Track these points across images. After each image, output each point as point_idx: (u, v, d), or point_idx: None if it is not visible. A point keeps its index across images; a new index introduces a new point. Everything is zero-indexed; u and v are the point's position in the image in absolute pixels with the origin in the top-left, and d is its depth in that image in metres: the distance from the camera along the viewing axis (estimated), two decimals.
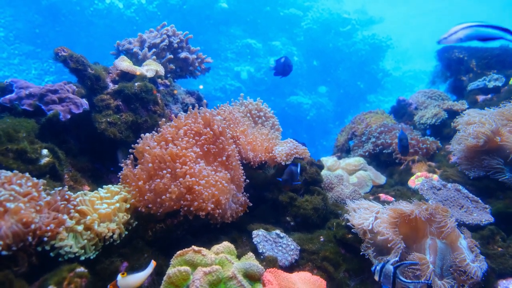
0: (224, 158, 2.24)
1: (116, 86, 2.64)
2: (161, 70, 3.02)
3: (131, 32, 12.71)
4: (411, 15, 25.78)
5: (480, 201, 2.57)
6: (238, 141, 2.52)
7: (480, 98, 4.06)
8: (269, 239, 2.07)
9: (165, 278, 1.47)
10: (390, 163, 3.59)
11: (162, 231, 2.02)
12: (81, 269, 1.53)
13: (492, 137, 2.57)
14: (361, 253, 1.99)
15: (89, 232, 1.70)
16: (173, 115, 2.65)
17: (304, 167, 2.61)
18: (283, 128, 2.95)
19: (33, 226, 1.48)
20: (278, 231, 2.15)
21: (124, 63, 2.80)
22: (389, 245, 1.84)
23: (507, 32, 1.56)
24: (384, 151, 3.66)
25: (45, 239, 1.56)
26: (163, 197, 1.92)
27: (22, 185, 1.59)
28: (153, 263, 1.54)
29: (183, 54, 3.37)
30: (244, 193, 2.34)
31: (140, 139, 2.23)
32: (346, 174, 3.35)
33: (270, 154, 2.53)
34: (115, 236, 1.79)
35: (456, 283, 1.79)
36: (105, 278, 1.66)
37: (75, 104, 2.41)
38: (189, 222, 2.06)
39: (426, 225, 1.99)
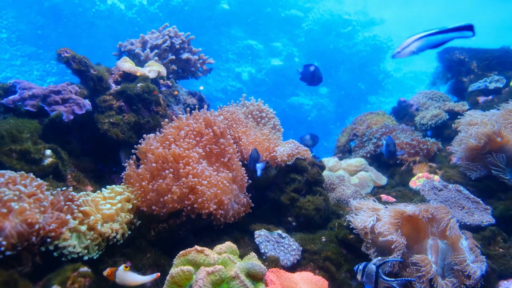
0: (226, 159, 2.25)
1: (119, 87, 2.66)
2: (163, 71, 3.03)
3: (132, 33, 12.74)
4: (412, 16, 25.77)
5: (481, 202, 2.58)
6: (239, 142, 2.53)
7: (481, 99, 4.07)
8: (271, 239, 2.08)
9: (168, 278, 1.48)
10: (391, 164, 3.59)
11: (165, 231, 2.03)
12: (84, 268, 1.53)
13: (494, 138, 2.58)
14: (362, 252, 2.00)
15: (92, 232, 1.71)
16: (174, 116, 2.67)
17: (306, 168, 2.61)
18: (284, 129, 2.96)
19: (37, 226, 1.49)
20: (280, 231, 2.16)
21: (127, 64, 2.81)
22: (392, 246, 1.85)
23: (455, 31, 1.60)
24: None
25: (49, 239, 1.57)
26: (166, 197, 1.93)
27: (27, 186, 1.61)
28: (156, 275, 1.56)
29: (185, 55, 3.38)
30: (246, 193, 2.35)
31: (142, 139, 2.24)
32: (347, 174, 3.36)
33: (272, 155, 2.54)
34: (118, 236, 1.80)
35: (457, 283, 1.80)
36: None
37: (78, 105, 2.42)
38: (192, 222, 2.07)
39: (427, 225, 2.00)
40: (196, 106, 3.27)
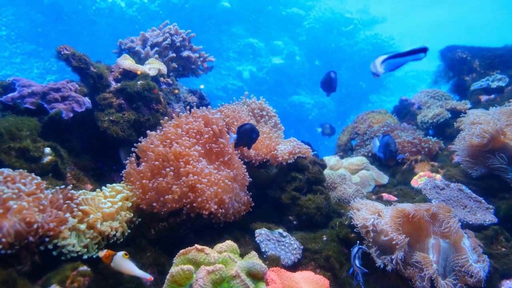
0: (227, 157, 2.24)
1: (119, 84, 2.64)
2: (164, 69, 3.02)
3: (133, 31, 12.73)
4: (413, 15, 25.71)
5: (483, 201, 2.56)
6: None
7: (483, 98, 4.04)
8: (272, 238, 2.07)
9: (168, 277, 1.47)
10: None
11: (165, 229, 2.02)
12: (84, 267, 1.52)
13: (496, 136, 2.56)
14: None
15: (92, 230, 1.70)
16: (173, 114, 2.65)
17: (307, 166, 2.60)
18: (285, 127, 2.95)
19: (35, 226, 1.48)
20: (281, 230, 2.14)
21: (127, 62, 2.79)
22: (393, 243, 1.83)
23: (410, 55, 1.72)
24: None
25: (48, 239, 1.56)
26: (166, 196, 1.92)
27: (26, 184, 1.59)
28: (150, 277, 1.53)
29: (185, 53, 3.36)
30: (247, 192, 2.34)
31: (142, 138, 2.22)
32: (348, 173, 3.34)
33: (273, 153, 2.53)
34: (118, 234, 1.79)
35: (459, 283, 1.78)
36: (108, 276, 1.65)
37: (77, 102, 2.40)
38: (192, 221, 2.06)
39: (429, 224, 1.98)
40: (195, 103, 3.25)
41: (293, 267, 1.95)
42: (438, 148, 3.55)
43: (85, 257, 1.63)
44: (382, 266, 1.86)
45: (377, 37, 15.88)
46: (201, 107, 2.43)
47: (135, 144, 2.21)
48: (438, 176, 2.98)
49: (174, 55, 3.30)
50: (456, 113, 3.78)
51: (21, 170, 1.69)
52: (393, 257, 1.81)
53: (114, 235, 1.78)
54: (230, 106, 2.76)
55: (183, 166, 1.98)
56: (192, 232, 2.14)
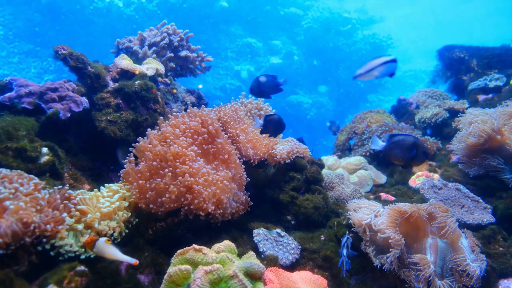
0: (226, 156, 2.24)
1: (116, 84, 2.64)
2: (162, 69, 3.01)
3: (131, 30, 12.70)
4: (411, 15, 25.76)
5: (481, 200, 2.57)
6: (238, 139, 2.51)
7: (481, 97, 4.05)
8: (270, 238, 2.07)
9: (165, 277, 1.47)
10: (391, 163, 3.57)
11: (163, 229, 2.01)
12: (81, 268, 1.52)
13: (493, 136, 2.56)
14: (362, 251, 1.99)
15: (89, 230, 1.70)
16: (170, 115, 2.65)
17: (305, 166, 2.60)
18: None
19: (33, 226, 1.48)
20: (279, 230, 2.14)
21: (124, 62, 2.79)
22: (390, 242, 1.83)
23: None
24: None
25: (45, 239, 1.55)
26: (164, 197, 1.92)
27: (24, 184, 1.59)
28: (135, 262, 1.50)
29: (183, 53, 3.36)
30: (245, 191, 2.34)
31: (140, 137, 2.22)
32: (346, 173, 3.35)
33: (271, 152, 2.53)
34: (116, 234, 1.78)
35: (457, 283, 1.79)
36: (105, 276, 1.65)
37: (75, 102, 2.40)
38: (190, 221, 2.05)
39: (427, 224, 1.99)
40: (189, 103, 3.25)
41: (291, 267, 1.95)
42: (436, 148, 3.56)
43: (83, 257, 1.63)
44: (379, 266, 1.86)
45: (375, 36, 15.91)
46: (195, 107, 2.43)
47: (133, 144, 2.21)
48: (436, 176, 2.99)
49: (172, 55, 3.30)
50: (454, 113, 3.79)
51: (18, 170, 1.68)
52: (389, 256, 1.81)
53: (112, 235, 1.77)
54: (228, 106, 2.75)
55: (179, 167, 1.97)
56: (190, 232, 2.13)
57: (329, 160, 3.60)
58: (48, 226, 1.54)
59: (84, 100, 2.47)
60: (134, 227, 1.95)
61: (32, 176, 1.69)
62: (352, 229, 2.10)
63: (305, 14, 15.80)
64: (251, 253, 1.73)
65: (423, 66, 19.18)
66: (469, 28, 24.59)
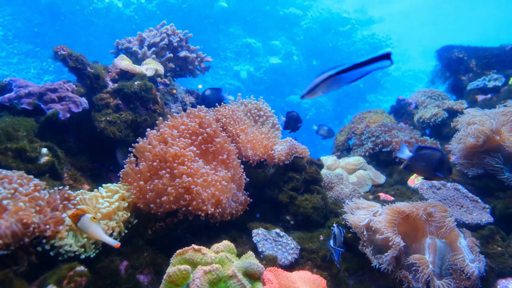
0: (225, 156, 2.24)
1: (116, 85, 2.64)
2: (161, 69, 3.02)
3: (130, 31, 12.71)
4: (410, 15, 25.78)
5: (479, 200, 2.57)
6: (237, 139, 2.52)
7: (480, 97, 4.06)
8: (269, 238, 2.07)
9: (165, 277, 1.47)
10: (390, 162, 3.59)
11: (162, 230, 2.02)
12: (81, 268, 1.52)
13: (492, 137, 2.57)
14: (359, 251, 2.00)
15: None
16: (168, 116, 2.65)
17: (304, 166, 2.61)
18: (282, 127, 2.95)
19: (32, 226, 1.48)
20: (278, 230, 2.15)
21: (124, 62, 2.79)
22: (389, 243, 1.84)
23: (372, 63, 1.37)
24: (383, 150, 3.66)
25: (44, 240, 1.56)
26: (163, 198, 1.92)
27: (23, 185, 1.59)
28: (116, 243, 1.52)
29: (182, 53, 3.36)
30: (244, 191, 2.34)
31: (140, 138, 2.22)
32: (345, 173, 3.35)
33: (270, 153, 2.53)
34: (115, 234, 1.79)
35: (455, 283, 1.79)
36: (105, 276, 1.65)
37: (74, 103, 2.40)
38: (189, 221, 2.06)
39: (425, 224, 1.99)
40: (188, 104, 3.25)
41: (290, 267, 1.96)
42: None
43: (83, 257, 1.63)
44: (377, 266, 1.86)
45: (374, 36, 15.93)
46: (193, 108, 2.43)
47: (132, 145, 2.21)
48: None
49: (172, 55, 3.30)
50: (452, 113, 3.80)
51: (16, 170, 1.68)
52: (388, 256, 1.82)
53: (111, 234, 1.78)
54: (227, 106, 2.76)
55: (177, 168, 1.98)
56: (189, 232, 2.14)
57: (328, 160, 3.61)
58: (47, 226, 1.54)
59: (84, 100, 2.48)
60: (134, 227, 1.96)
61: (31, 176, 1.70)
62: (351, 229, 2.10)
63: (304, 14, 15.81)
64: (250, 253, 1.74)
65: (422, 66, 19.19)
66: (468, 28, 24.62)
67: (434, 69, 4.91)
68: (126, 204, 1.96)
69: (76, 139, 2.55)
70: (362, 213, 2.07)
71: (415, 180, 3.03)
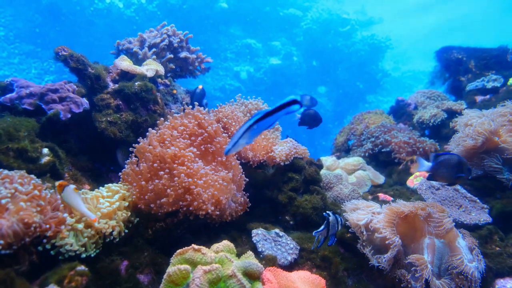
0: (224, 157, 2.25)
1: (116, 85, 2.65)
2: (161, 70, 3.03)
3: (131, 31, 12.73)
4: (410, 16, 25.80)
5: (478, 200, 2.59)
6: None
7: (479, 98, 4.08)
8: (269, 238, 2.08)
9: (165, 276, 1.48)
10: (389, 163, 3.60)
11: (162, 229, 2.03)
12: (81, 267, 1.53)
13: (491, 138, 2.58)
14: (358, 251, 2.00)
15: (89, 229, 1.71)
16: (168, 116, 2.66)
17: (304, 166, 2.62)
18: (282, 128, 2.96)
19: (33, 226, 1.49)
20: (277, 230, 2.16)
21: (124, 63, 2.81)
22: (387, 242, 1.85)
23: (283, 108, 1.41)
24: (383, 150, 3.67)
25: (45, 240, 1.57)
26: (162, 200, 1.93)
27: (24, 185, 1.60)
28: (94, 219, 1.63)
29: (183, 54, 3.37)
30: (244, 192, 2.35)
31: (141, 138, 2.23)
32: (345, 173, 3.36)
33: (270, 154, 2.54)
34: (115, 233, 1.80)
35: (454, 283, 1.80)
36: (105, 276, 1.67)
37: (75, 103, 2.41)
38: (189, 221, 2.07)
39: (424, 224, 2.00)
40: (185, 103, 3.26)
41: (290, 267, 1.97)
42: (434, 149, 3.58)
43: (83, 256, 1.64)
44: (376, 265, 1.87)
45: (373, 37, 15.94)
46: (192, 108, 2.44)
47: (133, 145, 2.22)
48: None
49: (172, 56, 3.31)
50: (452, 114, 3.81)
51: (18, 170, 1.69)
52: (386, 256, 1.83)
53: (111, 233, 1.79)
54: (227, 107, 2.77)
55: (177, 168, 1.99)
56: (189, 232, 2.15)
57: (327, 160, 3.62)
58: (48, 226, 1.56)
59: (85, 101, 2.49)
60: (134, 227, 1.97)
61: (32, 176, 1.71)
62: (350, 229, 2.11)
63: (304, 15, 15.83)
64: (250, 253, 1.75)
65: (422, 67, 19.19)
66: (467, 29, 24.64)
67: (434, 70, 4.92)
68: (127, 204, 1.97)
69: (77, 139, 2.56)
70: (361, 213, 2.08)
71: (414, 181, 3.04)
